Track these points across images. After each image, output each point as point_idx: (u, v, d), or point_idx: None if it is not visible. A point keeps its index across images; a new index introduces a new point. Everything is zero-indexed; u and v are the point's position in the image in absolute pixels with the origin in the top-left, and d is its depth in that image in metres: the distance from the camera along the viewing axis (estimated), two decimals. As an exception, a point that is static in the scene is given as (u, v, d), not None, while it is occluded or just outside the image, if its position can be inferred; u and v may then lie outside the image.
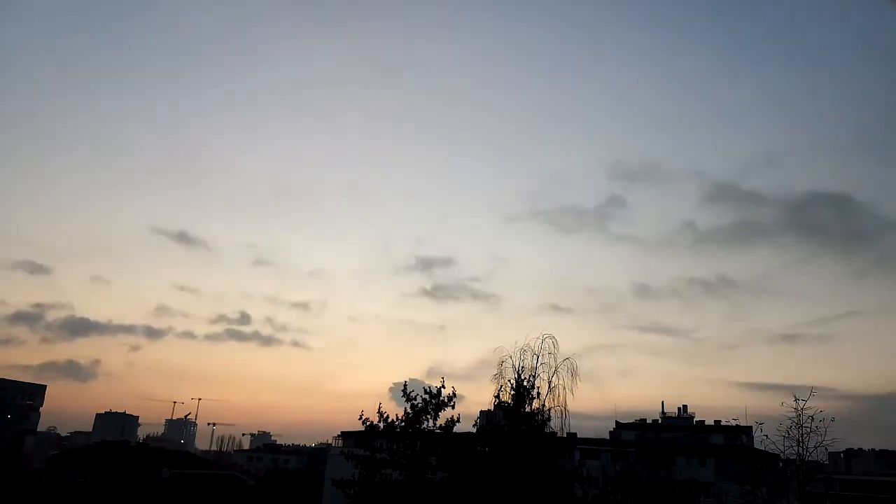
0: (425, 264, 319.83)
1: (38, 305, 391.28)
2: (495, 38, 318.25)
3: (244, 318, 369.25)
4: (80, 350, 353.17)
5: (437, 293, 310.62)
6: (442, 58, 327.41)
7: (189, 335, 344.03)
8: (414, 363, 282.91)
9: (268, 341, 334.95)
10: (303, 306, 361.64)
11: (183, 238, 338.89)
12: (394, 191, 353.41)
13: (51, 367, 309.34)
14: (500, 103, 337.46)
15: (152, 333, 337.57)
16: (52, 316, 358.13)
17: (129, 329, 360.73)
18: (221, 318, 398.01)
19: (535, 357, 33.70)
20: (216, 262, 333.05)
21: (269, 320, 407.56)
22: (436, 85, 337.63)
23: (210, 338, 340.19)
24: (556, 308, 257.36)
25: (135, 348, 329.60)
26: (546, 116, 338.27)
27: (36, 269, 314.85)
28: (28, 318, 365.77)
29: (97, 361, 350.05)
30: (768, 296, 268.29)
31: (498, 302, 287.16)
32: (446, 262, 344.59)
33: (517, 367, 33.74)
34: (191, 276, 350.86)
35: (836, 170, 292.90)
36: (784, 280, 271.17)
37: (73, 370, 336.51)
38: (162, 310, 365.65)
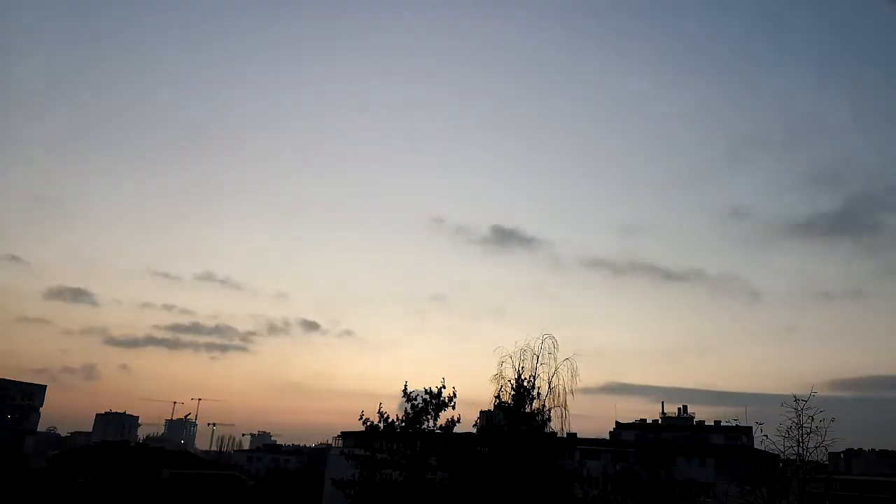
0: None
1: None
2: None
3: (247, 325, 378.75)
4: (97, 357, 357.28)
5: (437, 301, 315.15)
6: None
7: (196, 342, 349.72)
8: (415, 365, 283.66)
9: (268, 344, 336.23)
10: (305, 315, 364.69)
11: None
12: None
13: (65, 372, 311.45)
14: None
15: (161, 342, 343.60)
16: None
17: (143, 339, 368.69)
18: (224, 328, 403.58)
19: (535, 357, 33.71)
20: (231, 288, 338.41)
21: (271, 326, 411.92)
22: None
23: (215, 345, 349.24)
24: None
25: (143, 355, 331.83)
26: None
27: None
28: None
29: (97, 364, 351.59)
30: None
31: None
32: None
33: (517, 367, 33.79)
34: (203, 294, 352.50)
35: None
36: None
37: (75, 371, 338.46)
38: (175, 320, 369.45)
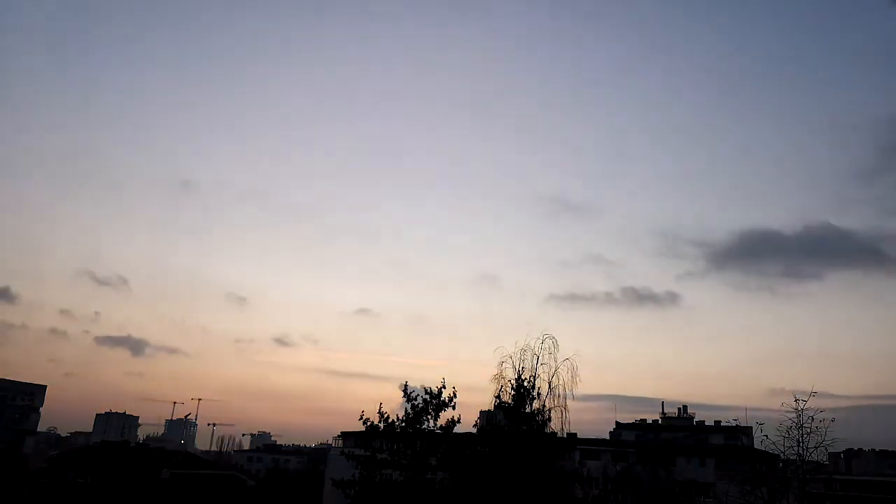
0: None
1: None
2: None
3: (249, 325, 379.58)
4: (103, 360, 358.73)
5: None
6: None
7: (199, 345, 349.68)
8: (415, 365, 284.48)
9: (270, 343, 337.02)
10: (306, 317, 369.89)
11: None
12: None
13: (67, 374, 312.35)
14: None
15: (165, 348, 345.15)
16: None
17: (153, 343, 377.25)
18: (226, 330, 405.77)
19: (536, 357, 33.73)
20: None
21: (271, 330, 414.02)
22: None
23: (216, 348, 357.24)
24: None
25: (149, 357, 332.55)
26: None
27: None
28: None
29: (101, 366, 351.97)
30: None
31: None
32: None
33: (517, 367, 33.78)
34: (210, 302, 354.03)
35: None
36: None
37: (78, 372, 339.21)
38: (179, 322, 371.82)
